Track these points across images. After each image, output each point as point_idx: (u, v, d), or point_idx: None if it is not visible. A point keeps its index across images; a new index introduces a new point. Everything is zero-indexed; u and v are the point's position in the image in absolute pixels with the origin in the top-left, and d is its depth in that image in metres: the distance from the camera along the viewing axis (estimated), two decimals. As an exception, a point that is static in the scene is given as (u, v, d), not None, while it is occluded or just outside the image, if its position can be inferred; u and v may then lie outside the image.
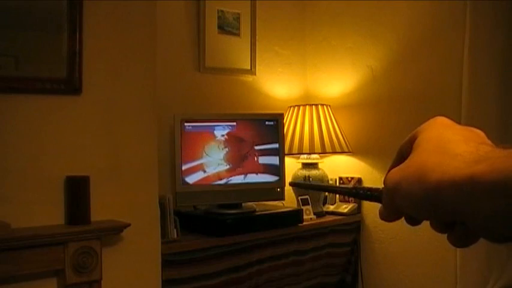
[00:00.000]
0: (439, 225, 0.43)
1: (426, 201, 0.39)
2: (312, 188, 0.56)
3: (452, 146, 0.40)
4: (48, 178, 1.76)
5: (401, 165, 0.43)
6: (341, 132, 2.82)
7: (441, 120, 0.44)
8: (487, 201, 0.35)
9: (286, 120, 2.84)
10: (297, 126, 2.80)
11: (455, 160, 0.38)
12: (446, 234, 0.43)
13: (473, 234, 0.40)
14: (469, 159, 0.37)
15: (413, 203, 0.41)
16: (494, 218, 0.35)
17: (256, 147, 2.47)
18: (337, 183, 2.91)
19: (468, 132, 0.42)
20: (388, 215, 0.46)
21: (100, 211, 1.83)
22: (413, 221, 0.46)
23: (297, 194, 2.73)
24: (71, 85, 1.80)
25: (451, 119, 0.45)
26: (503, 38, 2.23)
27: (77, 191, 1.77)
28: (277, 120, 2.52)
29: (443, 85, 2.51)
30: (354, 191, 0.50)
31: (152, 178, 2.01)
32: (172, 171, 2.38)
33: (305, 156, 2.81)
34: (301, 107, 2.84)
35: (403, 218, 0.47)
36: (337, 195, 2.92)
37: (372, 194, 0.48)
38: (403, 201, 0.42)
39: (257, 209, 2.45)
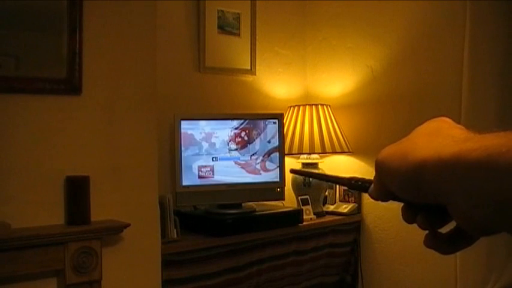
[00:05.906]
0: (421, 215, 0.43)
1: (410, 178, 0.40)
2: (312, 176, 0.59)
3: (445, 129, 0.41)
4: (48, 178, 1.76)
5: (395, 143, 0.43)
6: (341, 132, 2.82)
7: (440, 118, 0.45)
8: (471, 179, 0.35)
9: (286, 120, 2.84)
10: (297, 126, 2.80)
11: (445, 139, 0.39)
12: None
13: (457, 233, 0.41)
14: (459, 139, 0.38)
15: (397, 179, 0.41)
16: (477, 198, 0.35)
17: (256, 147, 2.47)
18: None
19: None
20: (375, 192, 0.46)
21: (100, 211, 1.83)
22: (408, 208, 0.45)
23: (297, 194, 2.73)
24: (71, 85, 1.80)
25: (451, 119, 0.45)
26: (503, 38, 2.23)
27: (77, 191, 1.77)
28: (277, 120, 2.52)
29: (443, 85, 2.50)
30: (349, 181, 0.51)
31: (152, 178, 2.01)
32: (173, 171, 2.38)
33: (305, 156, 2.81)
34: (301, 107, 2.84)
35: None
36: (337, 195, 2.93)
37: (362, 185, 0.49)
38: (388, 178, 0.42)
39: (257, 209, 2.45)
